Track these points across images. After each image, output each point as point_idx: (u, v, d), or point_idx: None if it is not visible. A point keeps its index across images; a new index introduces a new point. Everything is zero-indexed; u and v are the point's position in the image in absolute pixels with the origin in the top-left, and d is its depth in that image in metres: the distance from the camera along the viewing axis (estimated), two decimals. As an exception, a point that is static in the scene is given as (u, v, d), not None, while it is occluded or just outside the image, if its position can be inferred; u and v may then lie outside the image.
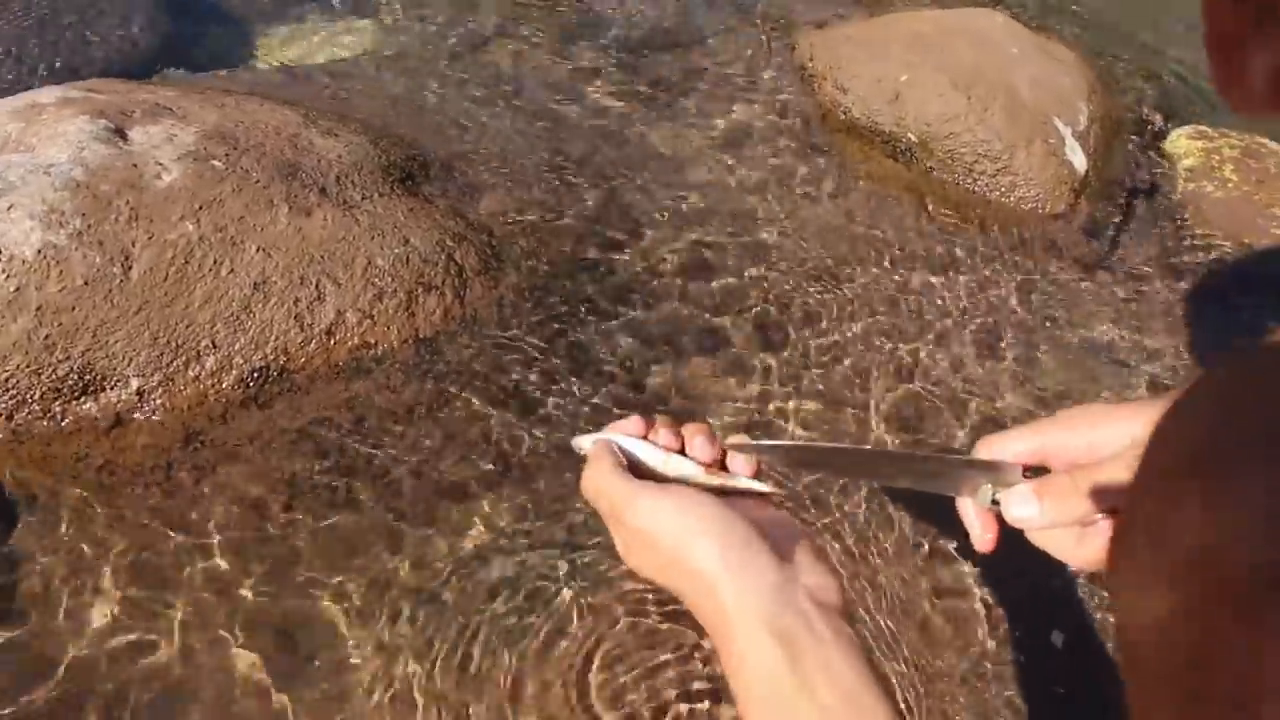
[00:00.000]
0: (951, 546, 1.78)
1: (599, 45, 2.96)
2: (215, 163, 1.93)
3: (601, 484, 0.87)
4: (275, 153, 2.03)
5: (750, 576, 0.80)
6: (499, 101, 2.66)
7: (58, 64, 2.58)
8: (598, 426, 0.97)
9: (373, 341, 1.90)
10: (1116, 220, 2.63)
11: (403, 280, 1.96)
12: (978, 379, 2.12)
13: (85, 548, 1.57)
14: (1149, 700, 0.41)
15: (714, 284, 2.22)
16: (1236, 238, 2.61)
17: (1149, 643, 0.41)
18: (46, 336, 1.68)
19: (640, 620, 1.61)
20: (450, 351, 1.95)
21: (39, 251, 1.71)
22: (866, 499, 1.84)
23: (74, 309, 1.70)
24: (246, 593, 1.56)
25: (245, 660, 1.49)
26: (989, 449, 0.93)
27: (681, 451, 0.91)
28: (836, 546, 1.75)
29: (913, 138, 2.68)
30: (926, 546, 1.79)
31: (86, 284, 1.72)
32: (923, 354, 2.15)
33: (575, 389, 1.93)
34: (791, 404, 2.00)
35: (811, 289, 2.25)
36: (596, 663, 1.55)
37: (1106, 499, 0.81)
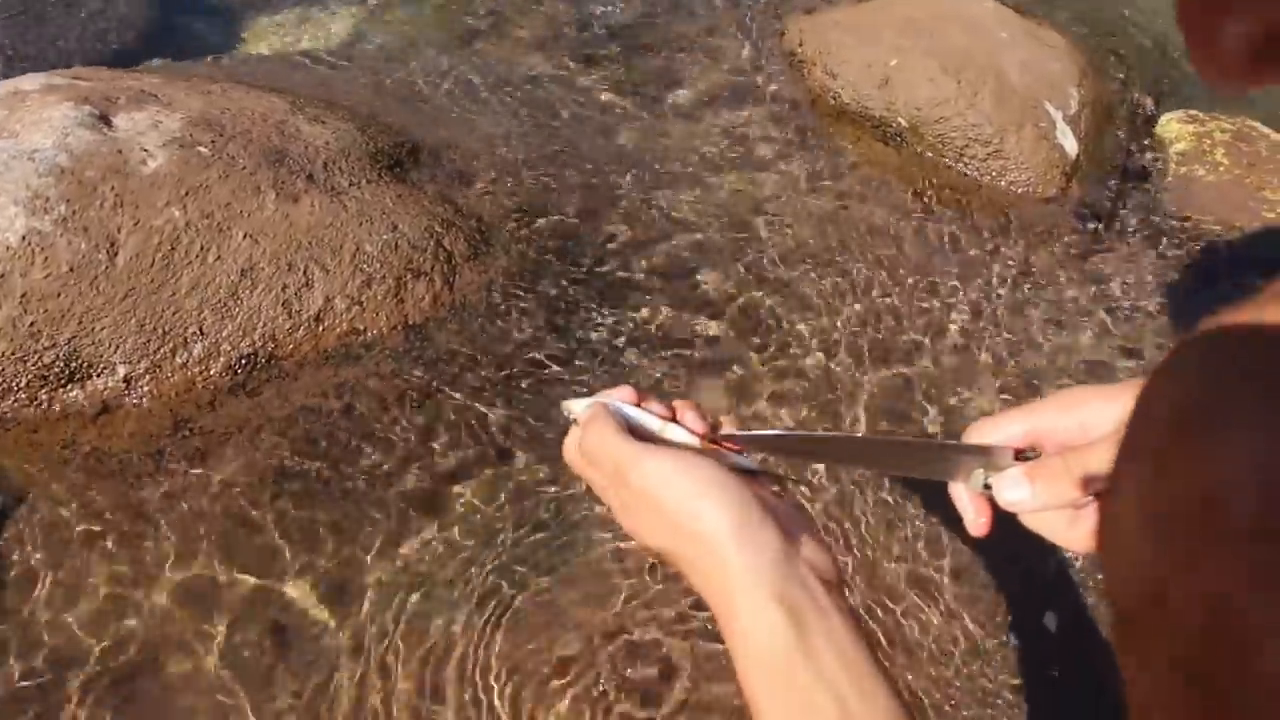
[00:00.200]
0: (945, 531, 1.77)
1: (589, 33, 2.95)
2: (201, 149, 1.92)
3: (603, 444, 0.86)
4: (262, 139, 2.02)
5: (757, 545, 0.79)
6: (489, 89, 2.65)
7: (42, 52, 2.56)
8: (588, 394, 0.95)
9: (362, 328, 1.89)
10: (1108, 204, 2.63)
11: (391, 266, 1.95)
12: (968, 363, 2.12)
13: (71, 536, 1.56)
14: (1145, 663, 0.41)
15: (704, 269, 2.21)
16: (1228, 221, 2.61)
17: (1142, 605, 0.41)
18: (32, 324, 1.66)
19: (631, 598, 1.60)
20: (440, 338, 1.94)
21: (23, 238, 1.69)
22: (859, 484, 1.83)
23: (59, 296, 1.69)
24: (233, 581, 1.55)
25: (230, 648, 1.48)
26: (980, 433, 0.93)
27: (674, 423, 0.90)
28: (835, 528, 1.75)
29: (903, 122, 2.67)
30: (920, 531, 1.78)
31: (72, 271, 1.70)
32: (914, 338, 2.15)
33: (565, 375, 1.92)
34: (782, 386, 1.99)
35: (802, 274, 2.25)
36: (596, 640, 1.54)
37: (1098, 480, 0.80)
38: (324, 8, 2.98)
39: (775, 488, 0.89)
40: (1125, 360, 2.18)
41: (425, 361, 1.89)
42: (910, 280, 2.29)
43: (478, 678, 1.49)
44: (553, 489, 1.74)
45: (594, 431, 0.87)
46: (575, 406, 0.92)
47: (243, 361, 1.79)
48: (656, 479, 0.83)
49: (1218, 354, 0.40)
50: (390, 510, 1.67)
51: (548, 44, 2.86)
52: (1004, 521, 0.91)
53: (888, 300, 2.22)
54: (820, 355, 2.07)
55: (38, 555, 1.53)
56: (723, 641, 0.81)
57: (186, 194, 1.84)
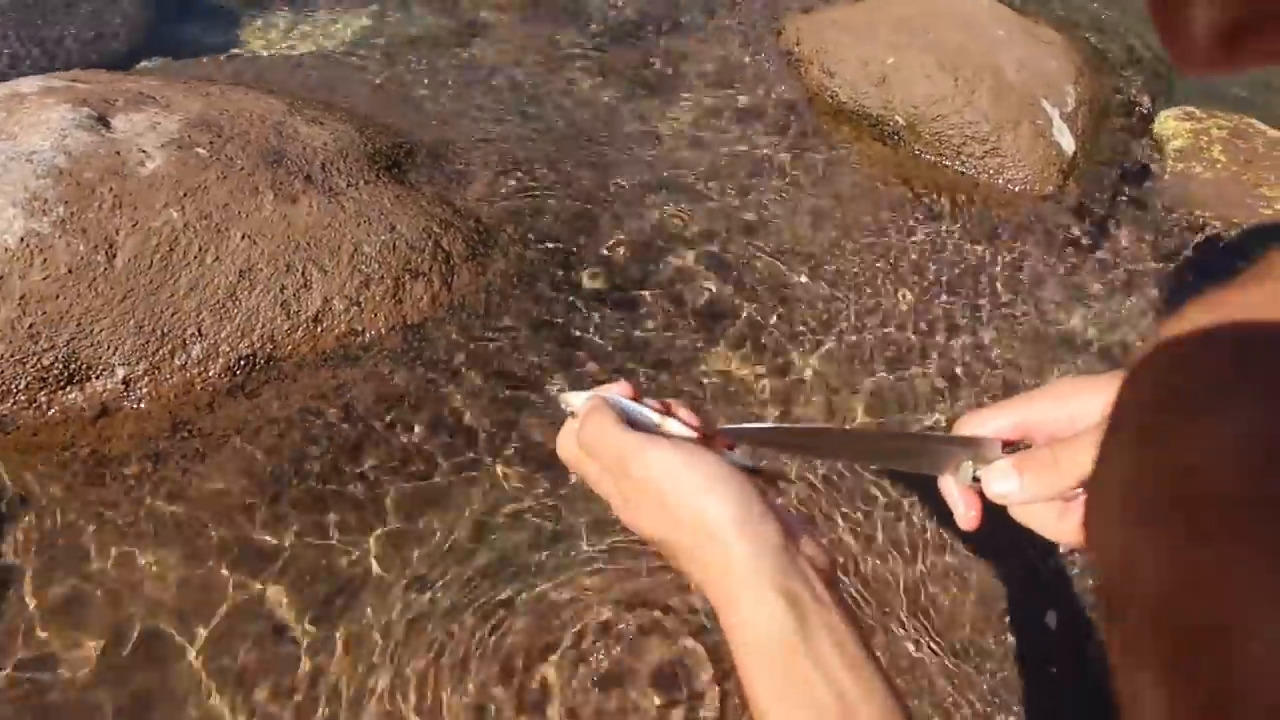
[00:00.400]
0: (942, 527, 1.77)
1: (586, 33, 2.95)
2: (199, 150, 1.92)
3: (604, 435, 0.86)
4: (260, 140, 2.02)
5: (759, 537, 0.79)
6: (486, 90, 2.65)
7: (41, 55, 2.57)
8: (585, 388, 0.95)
9: (360, 329, 1.90)
10: (1106, 201, 2.63)
11: (390, 267, 1.95)
12: (964, 358, 2.12)
13: (72, 538, 1.56)
14: (1131, 642, 0.41)
15: (702, 268, 2.21)
16: (1225, 217, 2.61)
17: (1126, 583, 0.41)
18: (31, 325, 1.66)
19: (637, 595, 1.60)
20: (438, 338, 1.94)
21: (22, 240, 1.69)
22: (853, 481, 1.83)
23: (58, 297, 1.69)
24: (232, 582, 1.55)
25: (228, 649, 1.48)
26: (969, 425, 0.93)
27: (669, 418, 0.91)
28: (830, 525, 1.75)
29: (900, 120, 2.67)
30: (917, 527, 1.78)
31: (70, 272, 1.71)
32: (911, 336, 2.15)
33: (563, 375, 1.92)
34: (778, 384, 2.00)
35: (800, 271, 2.25)
36: (587, 641, 1.54)
37: (1086, 471, 0.80)
38: (322, 9, 2.99)
39: (770, 486, 0.89)
40: (1123, 355, 2.18)
41: (424, 362, 1.90)
42: (908, 278, 2.29)
43: (477, 679, 1.49)
44: (549, 489, 1.74)
45: (594, 423, 0.87)
46: (573, 399, 0.92)
47: (241, 363, 1.79)
48: (660, 470, 0.83)
49: (1199, 334, 0.41)
50: (389, 511, 1.68)
51: (546, 45, 2.87)
52: (1002, 517, 0.91)
53: (885, 299, 2.22)
54: (817, 354, 2.07)
55: (38, 557, 1.54)
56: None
57: (185, 195, 1.84)
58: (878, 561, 1.73)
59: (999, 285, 2.32)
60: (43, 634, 1.46)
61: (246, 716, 1.43)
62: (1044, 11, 3.28)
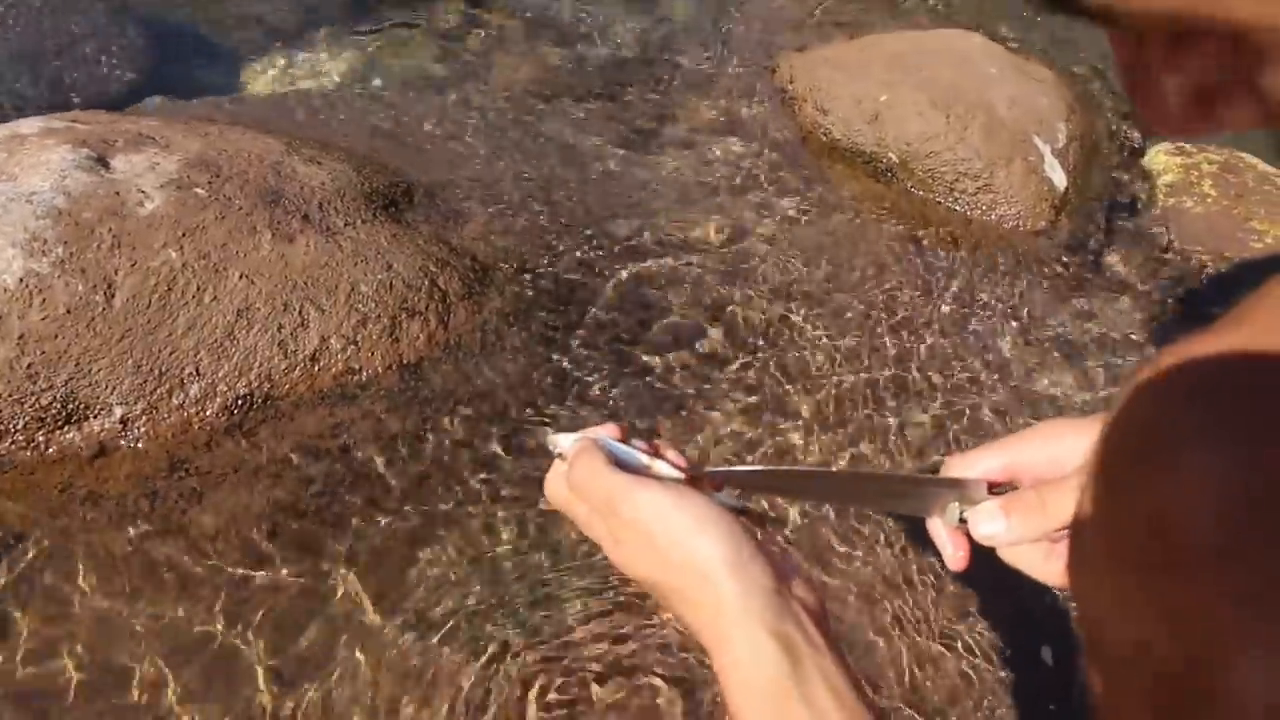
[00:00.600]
0: (935, 566, 1.78)
1: (582, 73, 2.98)
2: (198, 190, 1.94)
3: (594, 477, 0.86)
4: (258, 180, 2.04)
5: (750, 578, 0.79)
6: (483, 129, 2.68)
7: (41, 96, 2.59)
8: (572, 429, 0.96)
9: (357, 367, 1.90)
10: (1098, 236, 2.65)
11: (386, 306, 1.97)
12: (955, 396, 2.13)
13: (68, 578, 1.56)
14: (1116, 686, 0.42)
15: (697, 306, 2.23)
16: (1217, 251, 2.63)
17: (1109, 627, 0.42)
18: (29, 365, 1.67)
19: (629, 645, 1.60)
20: (435, 377, 1.95)
21: (21, 280, 1.71)
22: (843, 522, 1.84)
23: (57, 337, 1.70)
24: (228, 622, 1.55)
25: (226, 689, 1.48)
26: (956, 467, 0.94)
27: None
28: (820, 566, 1.75)
29: (893, 157, 2.70)
30: (910, 566, 1.79)
31: (69, 312, 1.72)
32: (903, 373, 2.16)
33: (559, 414, 1.93)
34: (771, 425, 2.00)
35: (794, 309, 2.26)
36: (592, 685, 1.54)
37: (1071, 513, 0.81)
38: (320, 50, 3.02)
39: (758, 528, 0.90)
40: (1116, 391, 2.19)
41: (420, 401, 1.90)
42: (901, 316, 2.30)
43: (477, 717, 1.49)
44: (544, 530, 1.74)
45: (583, 465, 0.87)
46: (561, 440, 0.92)
47: (239, 402, 1.79)
48: (650, 511, 0.83)
49: (1174, 380, 0.42)
50: (384, 550, 1.68)
51: (542, 84, 2.90)
52: (995, 555, 0.91)
53: (879, 336, 2.24)
54: (811, 395, 2.08)
55: (35, 598, 1.54)
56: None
57: (183, 235, 1.86)
58: (868, 600, 1.73)
59: (991, 322, 2.33)
60: (30, 671, 1.46)
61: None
62: (1035, 49, 3.32)
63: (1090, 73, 3.29)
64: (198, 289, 1.82)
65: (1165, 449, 0.40)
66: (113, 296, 1.76)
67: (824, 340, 2.20)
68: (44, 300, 1.71)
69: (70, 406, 1.69)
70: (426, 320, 2.00)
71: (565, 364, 2.03)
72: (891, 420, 2.05)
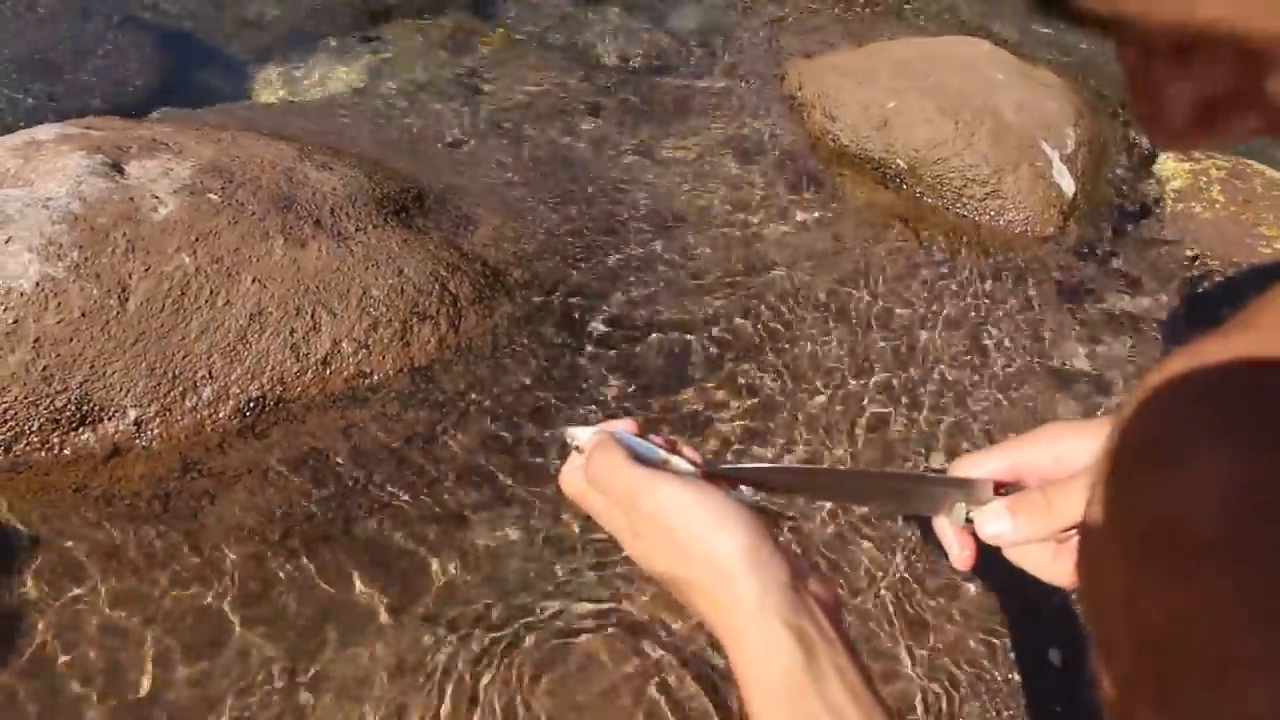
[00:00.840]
0: (943, 567, 1.78)
1: (592, 80, 3.00)
2: (211, 196, 1.96)
3: (614, 470, 0.87)
4: (271, 186, 2.06)
5: (768, 573, 0.80)
6: (493, 135, 2.69)
7: (56, 103, 2.62)
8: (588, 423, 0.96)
9: (368, 371, 1.92)
10: (1106, 242, 2.66)
11: (397, 310, 1.98)
12: (964, 400, 2.14)
13: (82, 578, 1.58)
14: (1124, 682, 0.42)
15: (707, 311, 2.24)
16: (1225, 257, 2.63)
17: (1117, 623, 0.42)
18: (44, 368, 1.69)
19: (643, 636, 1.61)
20: (445, 380, 1.97)
21: (37, 284, 1.73)
22: (854, 520, 1.84)
23: (72, 340, 1.71)
24: (242, 621, 1.56)
25: (239, 689, 1.49)
26: (963, 467, 0.94)
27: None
28: (831, 565, 1.76)
29: (901, 164, 2.71)
30: (920, 566, 1.79)
31: (84, 316, 1.73)
32: (910, 377, 2.17)
33: (569, 416, 1.94)
34: (780, 427, 2.01)
35: (802, 315, 2.27)
36: (600, 671, 1.55)
37: (1078, 513, 0.81)
38: (332, 57, 3.04)
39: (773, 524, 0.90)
40: (1124, 396, 2.19)
41: (431, 404, 1.92)
42: (909, 320, 2.31)
43: (485, 714, 1.50)
44: (555, 529, 1.75)
45: (603, 458, 0.88)
46: (579, 434, 0.92)
47: (251, 404, 1.81)
48: (671, 506, 0.83)
49: (1183, 382, 0.42)
50: (397, 550, 1.69)
51: (552, 91, 2.91)
52: (997, 556, 0.92)
53: (887, 341, 2.24)
54: (819, 397, 2.09)
55: (49, 597, 1.55)
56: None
57: (196, 240, 1.88)
58: (878, 601, 1.74)
59: (1000, 327, 2.33)
60: (54, 675, 1.47)
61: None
62: (1043, 54, 3.33)
63: (1098, 78, 3.30)
64: (211, 293, 1.84)
65: (1175, 449, 0.40)
66: (127, 300, 1.78)
67: (832, 345, 2.21)
68: (59, 304, 1.73)
69: (85, 409, 1.71)
70: (437, 324, 2.01)
71: (575, 368, 2.05)
72: (898, 423, 2.06)
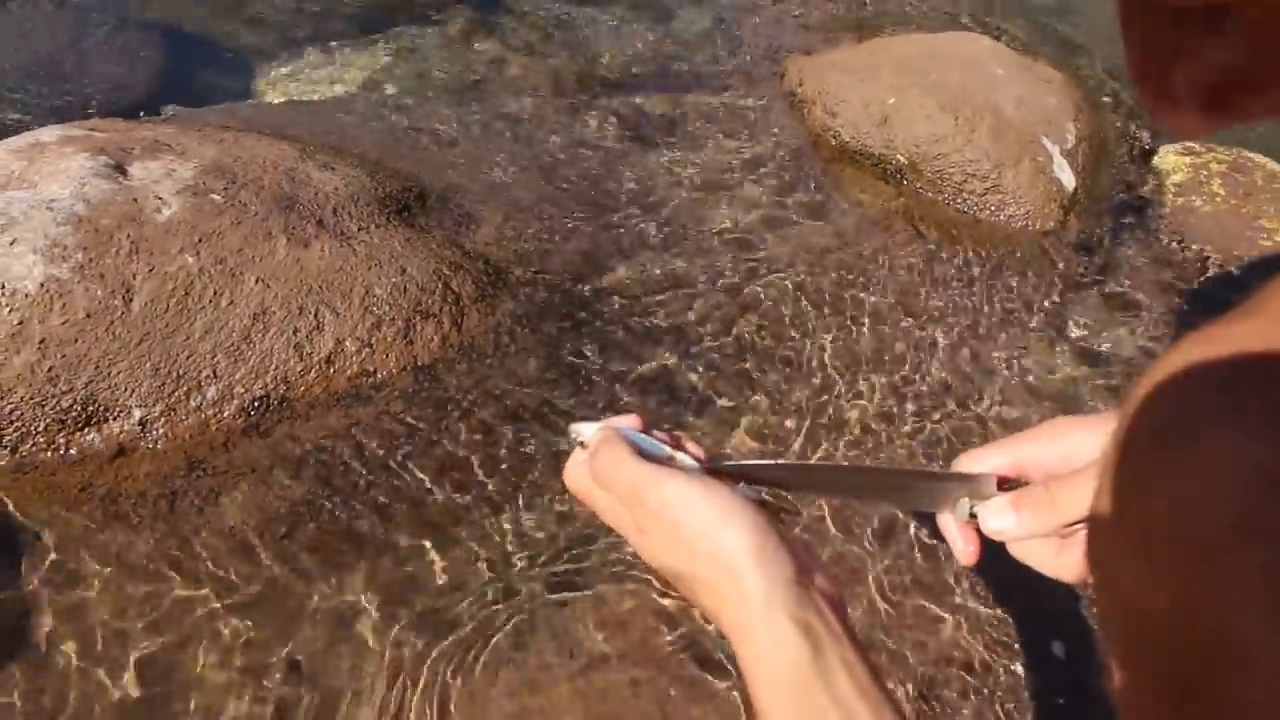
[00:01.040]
0: (946, 561, 1.79)
1: (592, 79, 3.01)
2: (214, 196, 1.96)
3: (619, 466, 0.87)
4: (273, 186, 2.06)
5: (774, 570, 0.80)
6: (495, 134, 2.70)
7: (59, 104, 2.63)
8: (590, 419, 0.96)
9: (372, 369, 1.93)
10: (1107, 236, 2.66)
11: (400, 309, 1.99)
12: (966, 395, 2.14)
13: (88, 577, 1.59)
14: (1135, 673, 0.42)
15: (708, 308, 2.25)
16: (1226, 250, 2.64)
17: (1129, 614, 0.42)
18: (50, 369, 1.70)
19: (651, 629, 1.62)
20: (449, 378, 1.97)
21: (42, 285, 1.74)
22: (858, 516, 1.85)
23: (76, 341, 1.72)
24: (246, 620, 1.57)
25: (245, 688, 1.50)
26: (966, 463, 0.94)
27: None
28: (835, 560, 1.77)
29: (902, 159, 2.71)
30: (923, 560, 1.80)
31: (89, 316, 1.74)
32: (912, 373, 2.17)
33: (573, 413, 1.95)
34: (781, 424, 2.02)
35: (803, 311, 2.28)
36: (602, 678, 1.56)
37: (1082, 508, 0.81)
38: (333, 56, 3.05)
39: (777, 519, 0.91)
40: (1124, 389, 2.19)
41: (434, 402, 1.92)
42: (910, 316, 2.32)
43: (496, 711, 1.51)
44: (560, 527, 1.76)
45: (608, 454, 0.88)
46: (584, 429, 0.92)
47: (255, 403, 1.82)
48: (676, 502, 0.84)
49: (1193, 366, 0.42)
50: (400, 550, 1.70)
51: (553, 90, 2.92)
52: (1006, 550, 0.92)
53: (888, 337, 2.25)
54: (820, 393, 2.10)
55: (55, 597, 1.56)
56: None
57: (200, 240, 1.88)
58: (882, 596, 1.74)
59: (1000, 321, 2.34)
60: (60, 674, 1.48)
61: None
62: (1043, 50, 3.33)
63: (1098, 73, 3.30)
64: (214, 293, 1.85)
65: (1186, 432, 0.40)
66: (131, 301, 1.78)
67: (833, 341, 2.21)
68: (64, 305, 1.74)
69: (90, 409, 1.72)
70: (440, 322, 2.02)
71: (577, 365, 2.05)
72: (899, 419, 2.07)
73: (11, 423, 1.68)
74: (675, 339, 2.15)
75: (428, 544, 1.71)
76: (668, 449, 0.90)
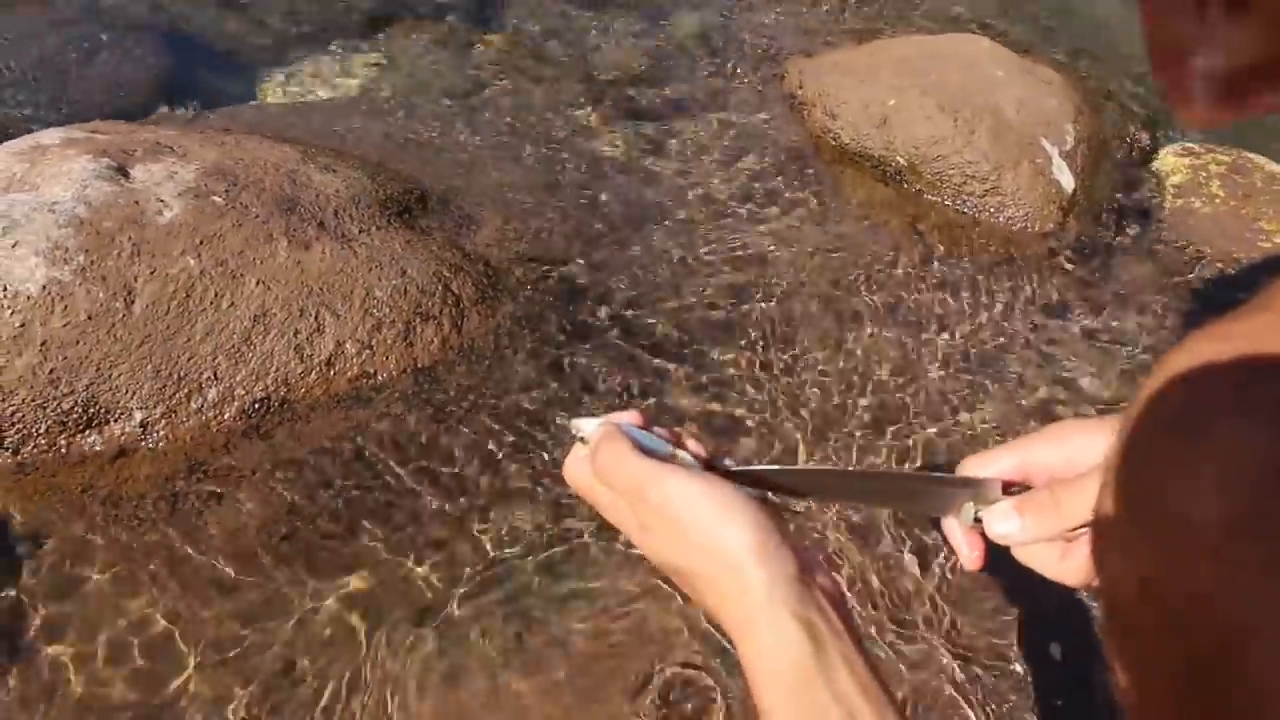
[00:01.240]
0: (946, 564, 1.79)
1: (592, 82, 3.01)
2: (215, 199, 1.97)
3: (621, 462, 0.87)
4: (274, 188, 2.07)
5: (776, 566, 0.80)
6: (495, 137, 2.71)
7: (62, 107, 2.63)
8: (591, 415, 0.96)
9: (372, 371, 1.93)
10: (1106, 237, 2.66)
11: (401, 311, 2.00)
12: (967, 399, 2.14)
13: (89, 578, 1.60)
14: (1141, 665, 0.42)
15: (708, 310, 2.25)
16: (1225, 251, 2.64)
17: (1135, 606, 0.42)
18: (51, 371, 1.71)
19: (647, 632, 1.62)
20: (449, 380, 1.98)
21: (44, 287, 1.74)
22: (859, 517, 1.85)
23: (78, 343, 1.73)
24: (246, 621, 1.58)
25: (244, 688, 1.50)
26: (971, 467, 0.94)
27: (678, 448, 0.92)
28: (835, 561, 1.77)
29: (902, 161, 2.72)
30: (923, 562, 1.80)
31: (90, 319, 1.75)
32: (912, 375, 2.18)
33: (573, 414, 1.95)
34: (781, 426, 2.02)
35: (803, 313, 2.28)
36: (598, 673, 1.56)
37: (1086, 512, 0.81)
38: (335, 59, 3.05)
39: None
40: (1125, 393, 2.20)
41: (434, 403, 1.93)
42: (910, 318, 2.32)
43: (496, 710, 1.51)
44: (559, 528, 1.77)
45: (609, 450, 0.88)
46: (584, 425, 0.92)
47: (256, 405, 1.83)
48: (679, 498, 0.84)
49: (1203, 361, 0.42)
50: (400, 550, 1.70)
51: (553, 93, 2.93)
52: (1007, 553, 0.92)
53: (888, 338, 2.25)
54: (820, 395, 2.10)
55: (57, 597, 1.57)
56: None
57: (201, 243, 1.89)
58: (883, 599, 1.75)
59: (1000, 323, 2.34)
60: (62, 675, 1.49)
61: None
62: (1043, 51, 3.34)
63: (1099, 74, 3.30)
64: (215, 295, 1.85)
65: (1197, 423, 0.40)
66: (132, 303, 1.79)
67: (833, 342, 2.22)
68: (66, 307, 1.75)
69: (91, 411, 1.73)
70: (440, 324, 2.03)
71: (577, 366, 2.06)
72: (900, 421, 2.07)
73: (13, 424, 1.69)
74: (674, 341, 2.16)
75: (428, 546, 1.72)
76: (669, 446, 0.90)
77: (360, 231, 2.09)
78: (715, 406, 2.04)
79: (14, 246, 1.77)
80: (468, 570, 1.69)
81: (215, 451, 1.78)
